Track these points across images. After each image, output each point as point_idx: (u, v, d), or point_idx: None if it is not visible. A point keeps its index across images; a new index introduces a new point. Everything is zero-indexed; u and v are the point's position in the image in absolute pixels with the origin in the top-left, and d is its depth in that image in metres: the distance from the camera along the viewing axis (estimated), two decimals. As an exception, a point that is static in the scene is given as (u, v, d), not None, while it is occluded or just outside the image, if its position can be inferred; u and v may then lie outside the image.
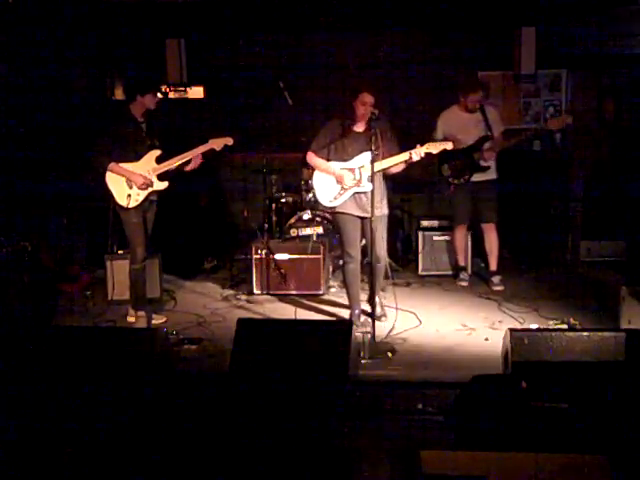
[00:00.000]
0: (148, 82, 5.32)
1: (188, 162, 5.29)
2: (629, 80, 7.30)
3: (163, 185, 5.30)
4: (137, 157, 5.24)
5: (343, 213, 5.20)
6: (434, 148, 4.98)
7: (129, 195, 5.22)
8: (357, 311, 5.33)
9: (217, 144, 5.25)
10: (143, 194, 5.25)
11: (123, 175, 5.21)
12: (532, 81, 7.40)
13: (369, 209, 4.87)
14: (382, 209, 5.16)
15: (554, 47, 7.20)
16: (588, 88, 7.49)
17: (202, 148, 5.25)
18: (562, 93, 7.56)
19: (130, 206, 5.23)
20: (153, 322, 5.37)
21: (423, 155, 4.97)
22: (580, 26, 7.20)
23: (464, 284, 6.38)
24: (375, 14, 7.08)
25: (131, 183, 5.21)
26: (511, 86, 7.54)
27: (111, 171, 5.20)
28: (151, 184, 5.25)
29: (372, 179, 4.83)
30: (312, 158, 5.24)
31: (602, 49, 7.20)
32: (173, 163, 5.25)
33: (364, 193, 5.07)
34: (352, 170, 5.12)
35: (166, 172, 5.28)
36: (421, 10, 6.97)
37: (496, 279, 6.27)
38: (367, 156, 4.91)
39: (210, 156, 5.38)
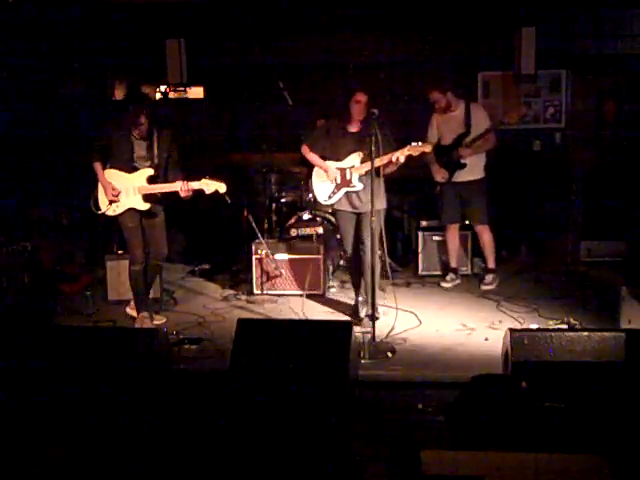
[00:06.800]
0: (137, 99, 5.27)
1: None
2: (629, 80, 7.30)
3: (145, 206, 5.20)
4: (132, 169, 5.17)
5: (339, 210, 5.46)
6: (414, 151, 5.04)
7: (111, 202, 5.19)
8: (361, 298, 5.53)
9: (208, 187, 5.06)
10: (122, 207, 5.20)
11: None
12: (532, 81, 7.40)
13: (362, 206, 5.25)
14: (377, 204, 5.19)
15: (554, 47, 7.20)
16: (588, 88, 7.49)
17: (191, 185, 5.05)
18: (562, 93, 7.57)
19: (107, 213, 5.22)
20: (153, 322, 5.38)
21: (403, 160, 5.02)
22: (580, 26, 7.21)
23: (446, 285, 6.29)
24: (375, 14, 7.08)
25: (116, 191, 5.17)
26: (511, 86, 7.54)
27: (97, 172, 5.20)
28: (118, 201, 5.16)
29: (372, 177, 4.79)
30: (307, 152, 5.45)
31: (602, 49, 7.20)
32: (159, 189, 5.17)
33: (355, 192, 5.29)
34: (344, 170, 5.30)
35: (153, 194, 5.19)
36: (421, 10, 6.98)
37: (488, 277, 6.24)
38: (356, 157, 5.22)
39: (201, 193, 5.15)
